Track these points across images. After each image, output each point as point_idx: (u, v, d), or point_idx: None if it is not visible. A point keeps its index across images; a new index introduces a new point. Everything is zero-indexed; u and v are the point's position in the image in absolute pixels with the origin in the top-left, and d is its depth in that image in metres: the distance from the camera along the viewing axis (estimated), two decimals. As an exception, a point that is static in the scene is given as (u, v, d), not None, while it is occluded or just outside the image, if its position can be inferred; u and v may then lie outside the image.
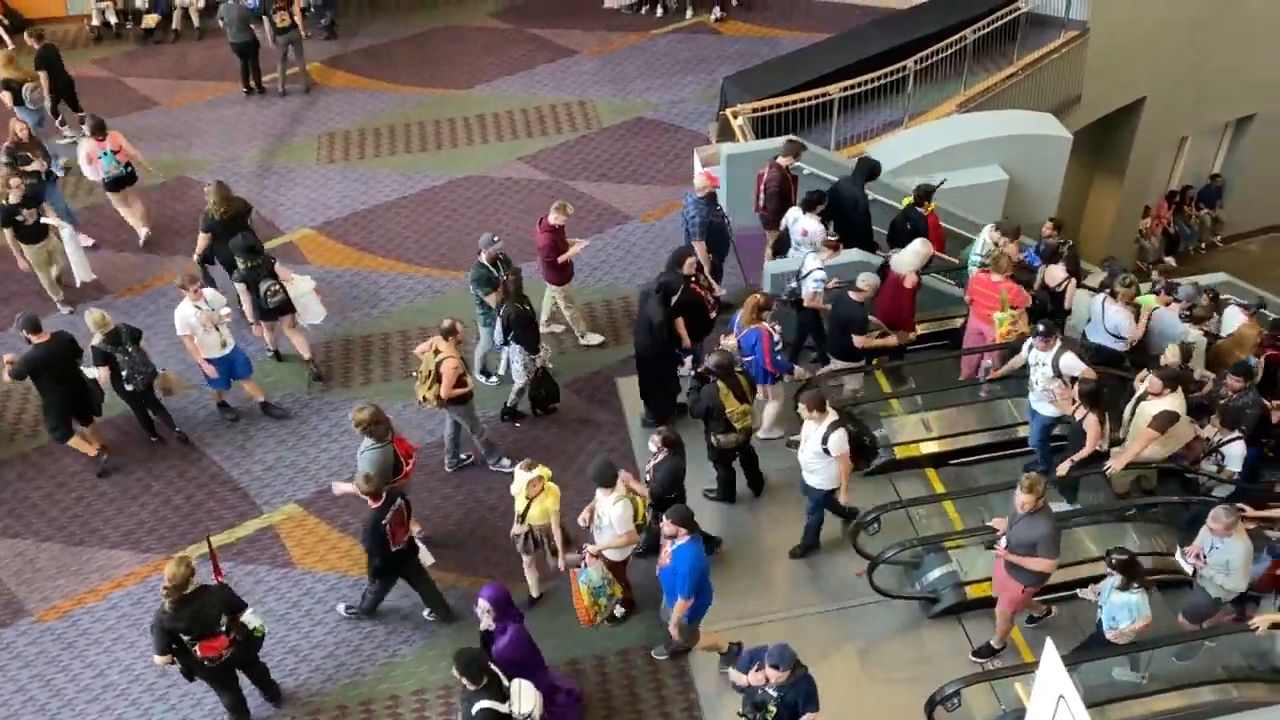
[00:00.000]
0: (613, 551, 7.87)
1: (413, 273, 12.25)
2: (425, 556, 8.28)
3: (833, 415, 8.09)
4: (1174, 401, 8.20)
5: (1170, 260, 18.19)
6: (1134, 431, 8.43)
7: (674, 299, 9.40)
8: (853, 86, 12.71)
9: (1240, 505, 8.13)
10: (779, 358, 9.18)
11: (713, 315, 9.90)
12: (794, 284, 10.03)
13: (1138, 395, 8.45)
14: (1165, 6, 15.10)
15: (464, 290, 11.65)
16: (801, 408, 8.15)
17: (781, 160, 10.84)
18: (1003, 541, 7.38)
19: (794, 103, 12.64)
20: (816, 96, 12.69)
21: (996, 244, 10.01)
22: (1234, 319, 11.48)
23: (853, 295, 9.36)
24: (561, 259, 10.44)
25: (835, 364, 9.92)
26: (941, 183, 11.03)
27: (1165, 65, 15.75)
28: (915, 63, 12.87)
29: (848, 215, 10.66)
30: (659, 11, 16.79)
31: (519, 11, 17.22)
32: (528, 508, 7.86)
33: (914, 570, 8.42)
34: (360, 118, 14.89)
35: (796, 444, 8.52)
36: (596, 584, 7.65)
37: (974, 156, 12.55)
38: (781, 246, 10.97)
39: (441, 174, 13.85)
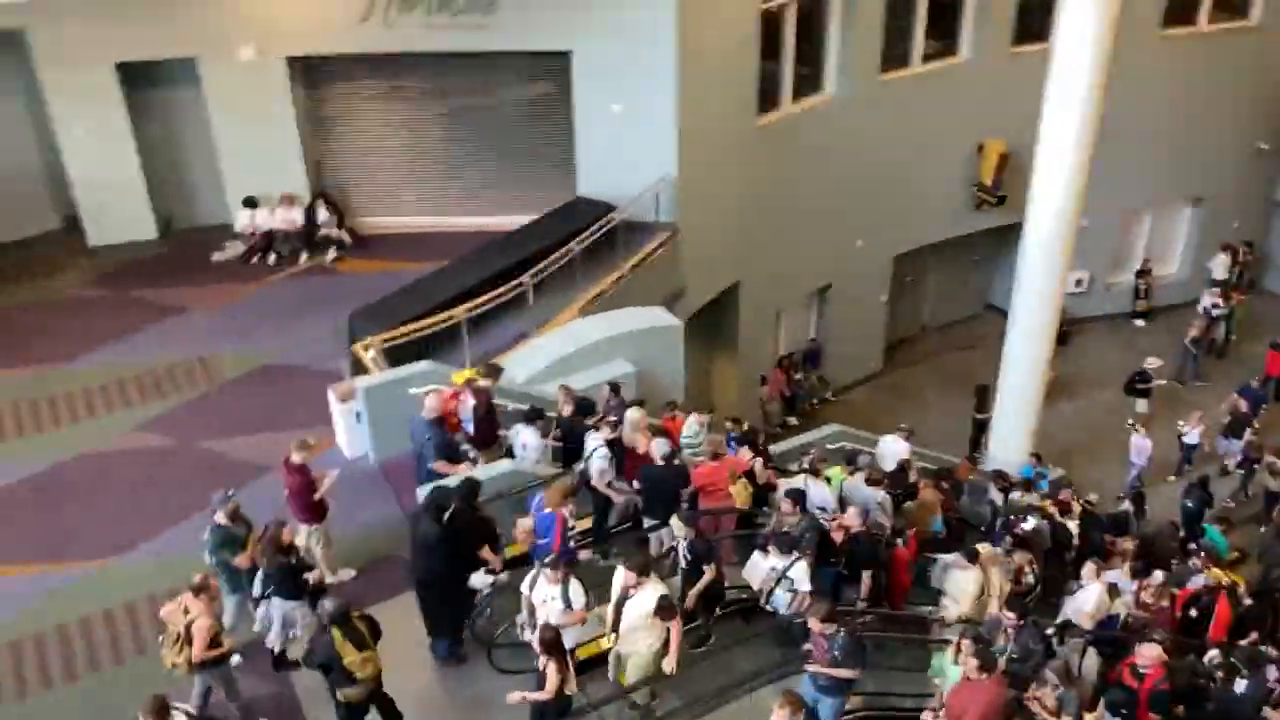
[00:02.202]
0: None
1: (15, 574, 10.76)
2: None
3: None
4: (655, 588, 8.35)
5: (793, 420, 19.90)
6: (629, 631, 8.33)
7: (448, 513, 9.04)
8: (477, 306, 13.12)
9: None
10: (569, 545, 9.40)
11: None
12: (581, 465, 10.54)
13: (618, 596, 8.43)
14: (737, 205, 17.10)
15: (83, 581, 10.49)
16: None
17: (484, 383, 11.24)
18: None
19: (422, 329, 12.81)
20: (443, 320, 12.94)
21: (702, 427, 11.43)
22: (889, 448, 13.52)
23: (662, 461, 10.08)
24: (317, 496, 10.09)
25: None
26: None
27: (750, 252, 17.71)
28: (531, 278, 13.55)
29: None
30: (271, 259, 16.58)
31: (114, 278, 16.19)
32: None
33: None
34: (-71, 411, 13.20)
35: None
36: None
37: (600, 355, 13.22)
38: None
39: (43, 459, 12.46)
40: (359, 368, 12.77)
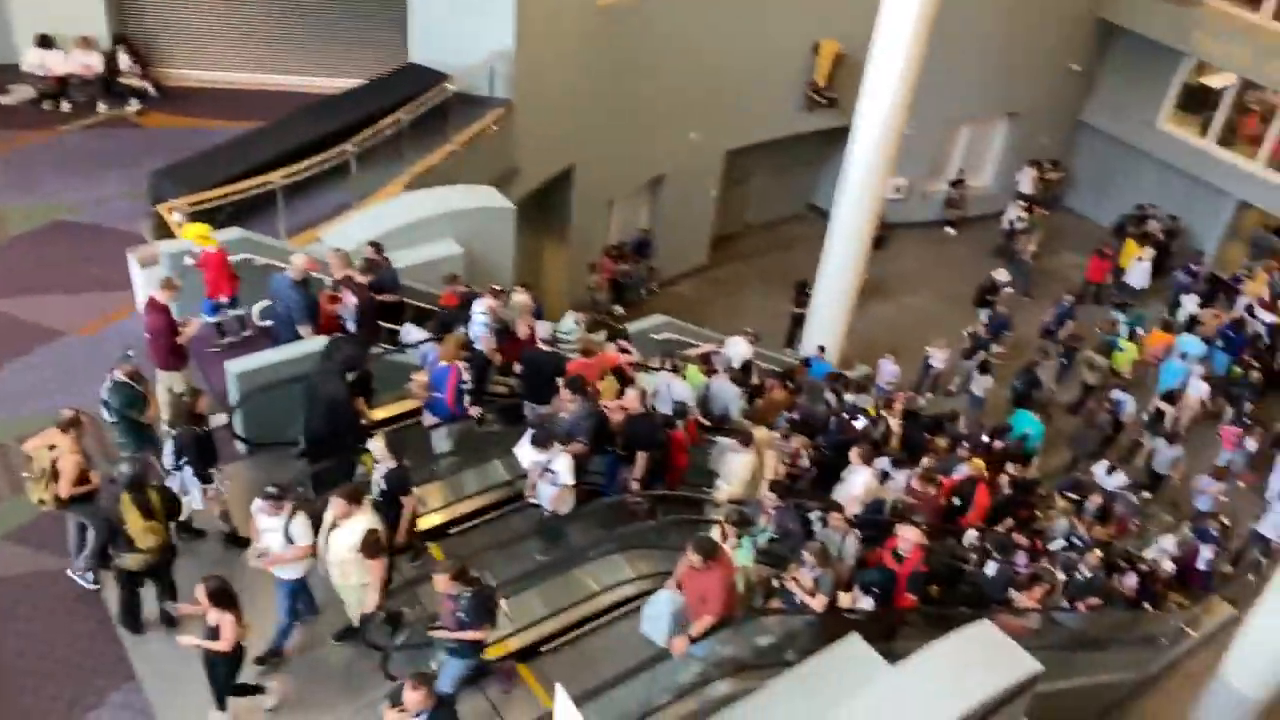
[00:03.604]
0: None
1: None
2: None
3: None
4: (364, 520, 7.79)
5: (620, 309, 20.05)
6: (337, 564, 7.84)
7: (356, 374, 9.11)
8: (295, 173, 12.42)
9: None
10: (463, 399, 9.70)
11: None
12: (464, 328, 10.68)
13: (327, 525, 7.88)
14: (575, 87, 16.73)
15: None
16: None
17: (361, 279, 10.86)
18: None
19: (234, 193, 12.08)
20: (258, 185, 12.22)
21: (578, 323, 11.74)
22: (736, 349, 14.05)
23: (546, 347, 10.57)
24: (181, 339, 9.84)
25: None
26: None
27: (586, 137, 17.44)
28: (355, 146, 12.92)
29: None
30: (65, 106, 15.19)
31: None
32: None
33: (428, 649, 8.25)
34: None
35: None
36: None
37: (427, 232, 12.85)
38: None
39: None
40: (163, 231, 12.00)
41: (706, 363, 12.93)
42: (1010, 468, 13.27)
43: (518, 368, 10.89)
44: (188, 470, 8.79)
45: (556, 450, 9.07)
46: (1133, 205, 23.33)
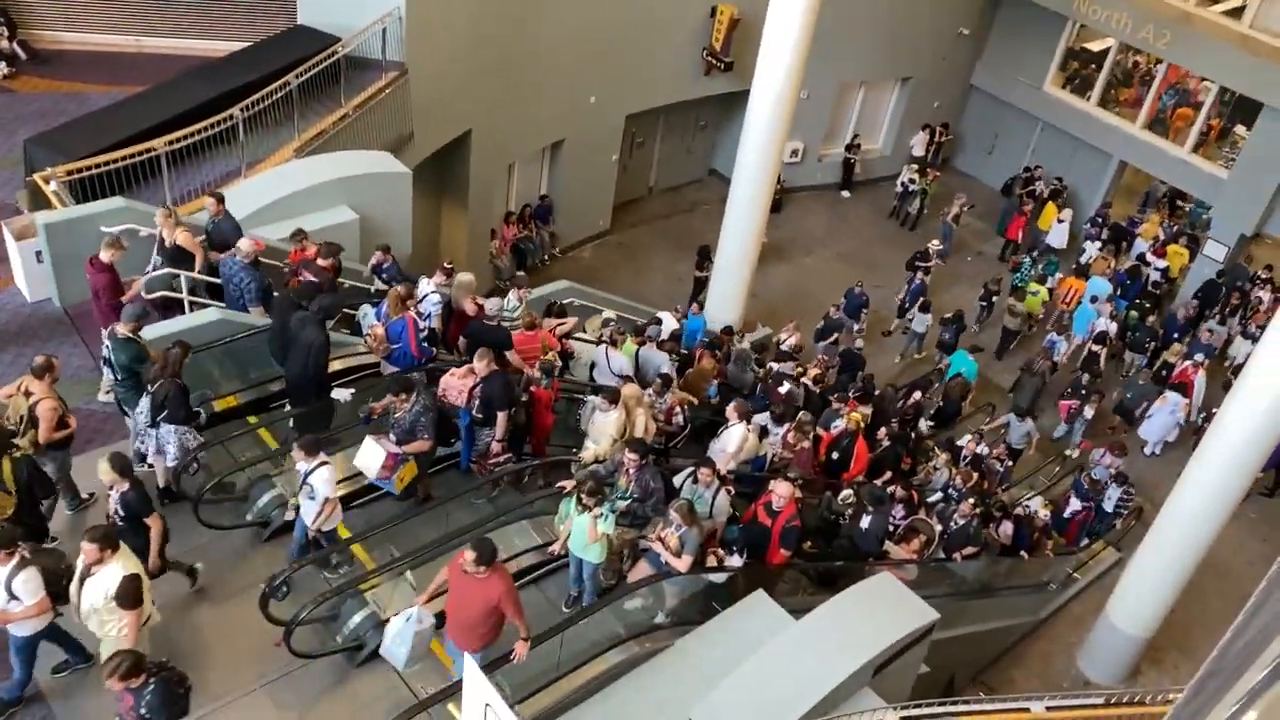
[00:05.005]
0: None
1: None
2: None
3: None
4: (121, 566, 6.91)
5: (522, 275, 19.87)
6: (90, 614, 7.00)
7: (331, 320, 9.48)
8: (180, 140, 11.96)
9: None
10: (424, 344, 10.12)
11: None
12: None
13: (79, 574, 7.01)
14: (470, 50, 16.40)
15: None
16: None
17: (324, 263, 10.86)
18: None
19: (115, 161, 11.59)
20: (141, 153, 11.74)
21: (520, 300, 12.27)
22: (669, 323, 14.80)
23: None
24: (126, 299, 9.83)
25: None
26: None
27: (483, 101, 17.15)
28: (242, 111, 12.49)
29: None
30: (-72, 70, 14.38)
31: None
32: None
33: (332, 623, 8.16)
34: None
35: None
36: None
37: (320, 199, 12.54)
38: None
39: None
40: (39, 201, 11.46)
41: (640, 334, 13.29)
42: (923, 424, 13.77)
43: (463, 342, 11.02)
44: (164, 427, 8.59)
45: (319, 460, 8.13)
46: (1020, 167, 24.02)
